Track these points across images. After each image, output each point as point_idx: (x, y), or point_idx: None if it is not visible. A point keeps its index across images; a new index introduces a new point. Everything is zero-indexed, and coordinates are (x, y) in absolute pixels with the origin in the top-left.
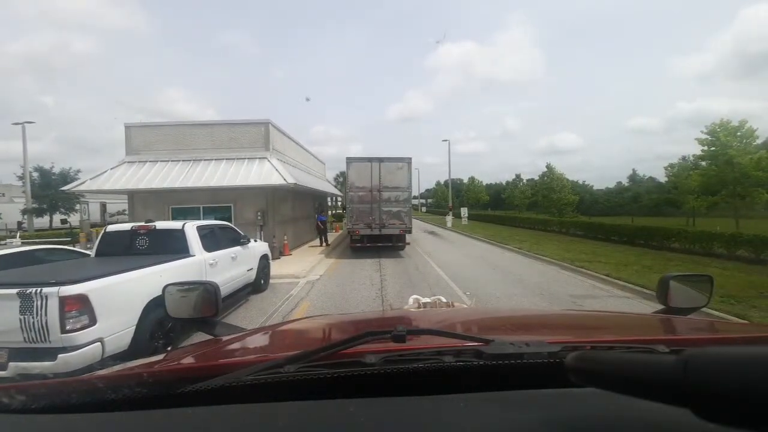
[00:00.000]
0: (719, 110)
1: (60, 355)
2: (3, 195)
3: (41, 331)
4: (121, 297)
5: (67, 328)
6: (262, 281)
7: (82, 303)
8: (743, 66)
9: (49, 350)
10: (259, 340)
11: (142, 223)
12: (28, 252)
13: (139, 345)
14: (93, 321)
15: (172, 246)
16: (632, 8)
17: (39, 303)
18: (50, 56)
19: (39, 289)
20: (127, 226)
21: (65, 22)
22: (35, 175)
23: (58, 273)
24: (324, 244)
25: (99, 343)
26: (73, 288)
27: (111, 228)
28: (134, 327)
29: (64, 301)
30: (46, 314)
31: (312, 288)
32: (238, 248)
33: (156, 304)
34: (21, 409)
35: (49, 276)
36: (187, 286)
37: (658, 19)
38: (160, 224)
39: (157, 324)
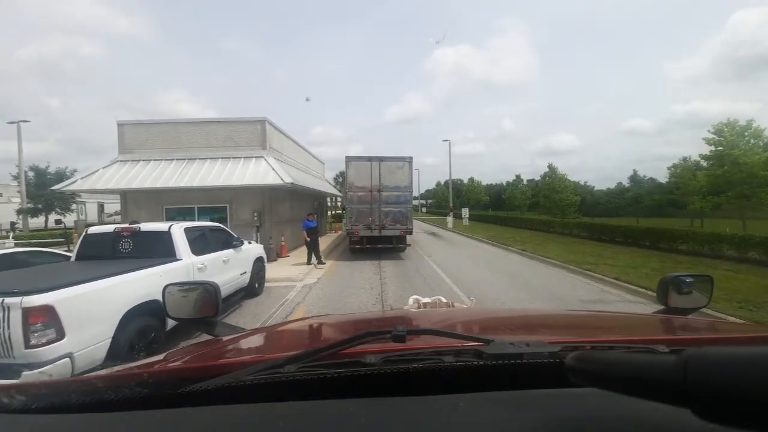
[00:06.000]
0: (712, 112)
1: (24, 373)
2: (1, 195)
3: (4, 346)
4: (95, 307)
5: (32, 342)
6: (257, 285)
7: (48, 315)
8: (734, 69)
9: (12, 367)
10: (259, 340)
11: (126, 225)
12: (9, 255)
13: (116, 359)
14: (61, 335)
15: (158, 249)
16: (631, 15)
17: (1, 315)
18: (57, 60)
19: (0, 299)
20: (109, 228)
21: (71, 28)
22: (31, 174)
23: (24, 281)
24: (316, 262)
25: (68, 359)
26: (38, 298)
27: (92, 230)
28: (110, 339)
29: (27, 312)
30: (8, 327)
31: (309, 292)
32: (230, 251)
33: (137, 313)
34: (21, 409)
35: (13, 284)
36: (187, 287)
37: (652, 26)
38: (145, 226)
39: (138, 334)
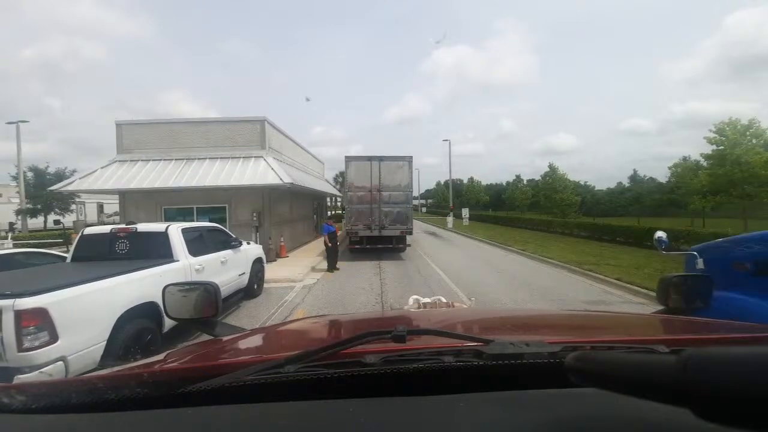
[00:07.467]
0: (711, 111)
1: (16, 377)
2: (0, 195)
3: None
4: (89, 309)
5: (25, 345)
6: (256, 286)
7: (41, 317)
8: (732, 69)
9: (4, 371)
10: (259, 340)
11: (122, 226)
12: (5, 256)
13: (111, 362)
14: (54, 338)
15: (155, 250)
16: (629, 15)
17: None
18: (59, 60)
19: None
20: (106, 229)
21: (73, 29)
22: (30, 175)
23: (16, 282)
24: (332, 268)
25: (61, 363)
26: (31, 301)
27: (89, 230)
28: (105, 342)
29: (20, 315)
30: (1, 330)
31: (308, 293)
32: (228, 252)
33: (133, 315)
34: (21, 409)
35: (5, 286)
36: (187, 287)
37: (651, 26)
38: (142, 226)
39: (134, 337)
